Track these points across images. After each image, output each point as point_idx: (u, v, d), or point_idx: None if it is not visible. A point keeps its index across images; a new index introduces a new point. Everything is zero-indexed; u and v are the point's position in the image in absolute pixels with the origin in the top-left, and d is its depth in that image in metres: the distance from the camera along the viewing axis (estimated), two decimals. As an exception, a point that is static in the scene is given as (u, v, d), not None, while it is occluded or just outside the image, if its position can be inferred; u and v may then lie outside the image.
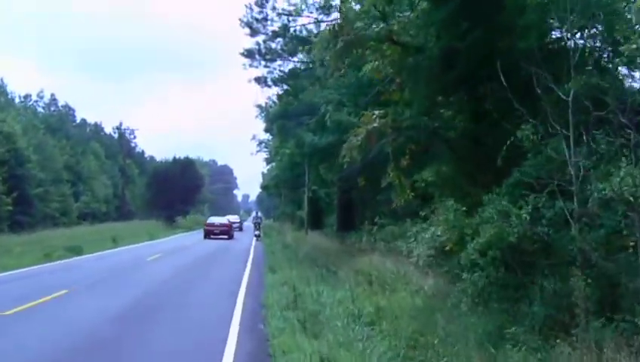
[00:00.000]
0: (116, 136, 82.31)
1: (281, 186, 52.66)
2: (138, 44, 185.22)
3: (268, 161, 71.50)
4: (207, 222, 42.04)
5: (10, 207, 35.78)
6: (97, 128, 74.51)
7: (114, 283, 15.23)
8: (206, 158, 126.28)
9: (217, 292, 13.64)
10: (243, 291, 13.61)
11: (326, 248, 22.14)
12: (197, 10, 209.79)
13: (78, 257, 23.38)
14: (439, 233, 9.31)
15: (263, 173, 72.71)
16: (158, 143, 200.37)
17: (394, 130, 10.75)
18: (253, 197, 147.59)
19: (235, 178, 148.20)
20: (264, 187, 59.27)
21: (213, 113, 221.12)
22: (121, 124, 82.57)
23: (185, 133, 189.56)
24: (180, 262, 21.50)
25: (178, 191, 63.43)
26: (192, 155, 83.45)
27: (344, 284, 12.49)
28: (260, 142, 73.12)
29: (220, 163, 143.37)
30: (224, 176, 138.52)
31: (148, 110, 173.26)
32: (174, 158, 66.92)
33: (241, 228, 53.68)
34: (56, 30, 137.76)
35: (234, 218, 53.69)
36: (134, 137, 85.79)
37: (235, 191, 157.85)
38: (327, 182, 38.61)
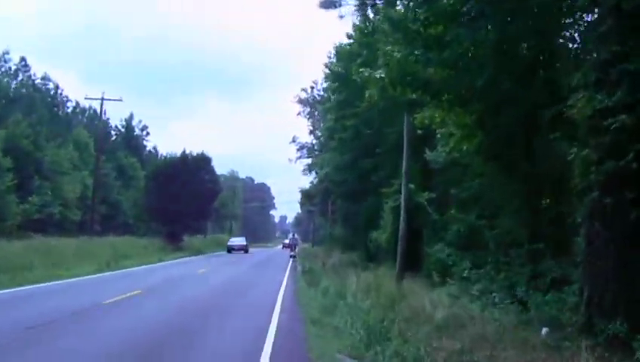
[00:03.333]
0: (124, 130, 65.79)
1: (333, 193, 33.22)
2: (177, 63, 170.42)
3: (311, 167, 52.16)
4: (284, 242, 76.11)
5: None
6: (93, 116, 57.02)
7: None
8: (242, 176, 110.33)
9: None
10: None
11: None
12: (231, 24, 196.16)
13: None
14: None
15: (301, 191, 53.49)
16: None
17: None
18: (290, 219, 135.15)
19: (273, 198, 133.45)
20: (306, 194, 39.73)
21: (253, 134, 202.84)
22: (131, 116, 65.74)
23: (221, 151, 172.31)
24: None
25: (187, 199, 44.55)
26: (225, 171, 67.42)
27: None
28: (302, 147, 54.29)
29: (257, 181, 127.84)
30: (260, 194, 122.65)
31: (184, 126, 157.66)
32: (184, 153, 47.84)
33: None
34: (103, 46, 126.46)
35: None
36: (147, 134, 68.54)
37: (272, 212, 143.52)
38: (437, 176, 19.29)
